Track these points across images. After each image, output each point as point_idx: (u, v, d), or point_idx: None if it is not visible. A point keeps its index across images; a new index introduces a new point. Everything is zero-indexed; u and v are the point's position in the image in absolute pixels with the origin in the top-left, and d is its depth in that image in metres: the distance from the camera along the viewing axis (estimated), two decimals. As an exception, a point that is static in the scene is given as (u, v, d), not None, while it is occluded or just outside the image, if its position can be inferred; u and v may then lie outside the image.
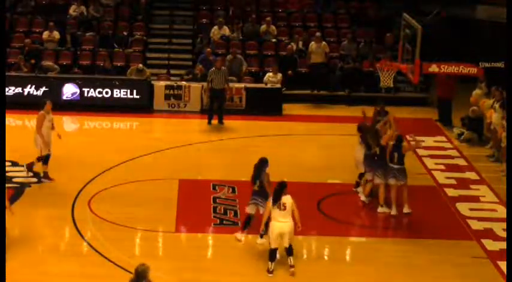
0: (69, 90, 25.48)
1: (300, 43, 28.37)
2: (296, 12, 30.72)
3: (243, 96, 25.94)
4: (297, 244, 15.50)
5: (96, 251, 15.60)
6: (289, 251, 14.97)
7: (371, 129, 18.45)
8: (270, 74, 26.61)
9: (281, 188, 14.90)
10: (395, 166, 17.56)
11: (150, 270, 11.67)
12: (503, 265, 15.28)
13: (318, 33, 27.84)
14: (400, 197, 17.76)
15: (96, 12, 29.50)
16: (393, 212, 17.71)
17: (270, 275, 14.88)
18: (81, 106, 25.28)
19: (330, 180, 19.88)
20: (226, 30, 28.97)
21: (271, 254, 14.99)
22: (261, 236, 15.91)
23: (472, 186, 19.99)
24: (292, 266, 14.92)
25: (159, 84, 26.00)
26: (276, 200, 14.78)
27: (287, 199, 14.81)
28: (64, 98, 25.36)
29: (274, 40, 29.08)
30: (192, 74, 26.53)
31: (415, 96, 28.15)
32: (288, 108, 26.22)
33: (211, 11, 30.54)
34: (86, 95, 25.56)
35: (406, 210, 17.79)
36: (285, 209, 14.76)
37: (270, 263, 14.95)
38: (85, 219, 17.06)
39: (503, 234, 16.57)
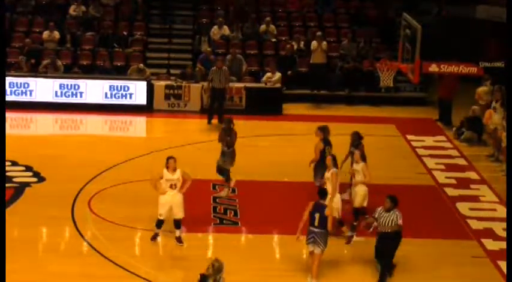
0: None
1: (301, 43, 28.33)
2: (296, 12, 30.69)
3: (243, 96, 25.93)
4: (297, 244, 15.45)
5: (96, 251, 15.60)
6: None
7: None
8: (269, 74, 26.58)
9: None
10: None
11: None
12: (503, 265, 15.29)
13: (319, 33, 27.79)
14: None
15: (96, 12, 29.48)
16: None
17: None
18: (80, 105, 25.29)
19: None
20: (226, 30, 28.96)
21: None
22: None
23: (472, 186, 20.00)
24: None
25: (159, 84, 25.98)
26: None
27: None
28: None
29: (274, 40, 29.07)
30: (184, 74, 26.35)
31: (415, 96, 28.15)
32: (288, 108, 26.20)
33: (211, 10, 30.53)
34: (86, 94, 25.61)
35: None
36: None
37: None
38: (85, 219, 17.06)
39: (503, 234, 16.58)
